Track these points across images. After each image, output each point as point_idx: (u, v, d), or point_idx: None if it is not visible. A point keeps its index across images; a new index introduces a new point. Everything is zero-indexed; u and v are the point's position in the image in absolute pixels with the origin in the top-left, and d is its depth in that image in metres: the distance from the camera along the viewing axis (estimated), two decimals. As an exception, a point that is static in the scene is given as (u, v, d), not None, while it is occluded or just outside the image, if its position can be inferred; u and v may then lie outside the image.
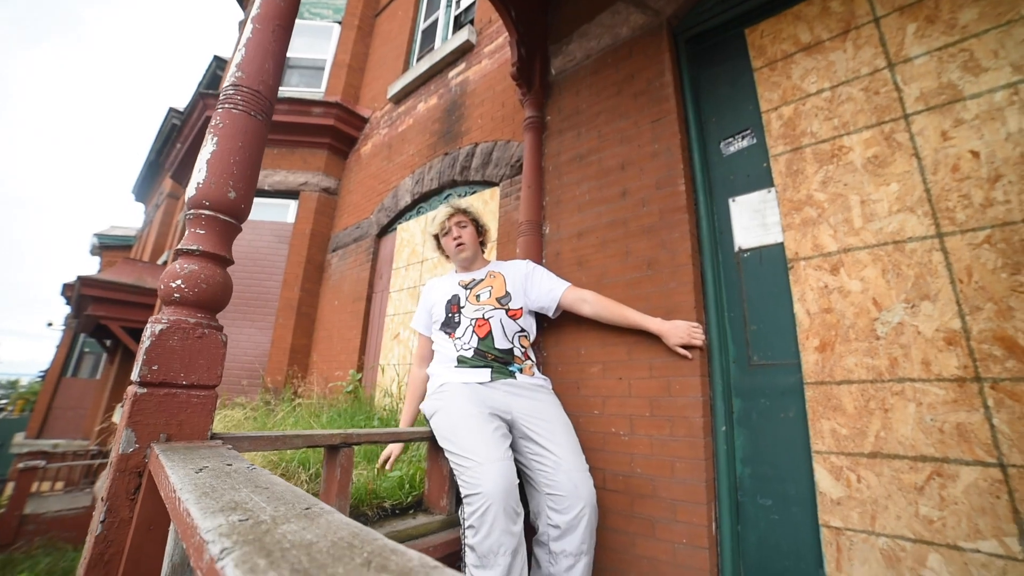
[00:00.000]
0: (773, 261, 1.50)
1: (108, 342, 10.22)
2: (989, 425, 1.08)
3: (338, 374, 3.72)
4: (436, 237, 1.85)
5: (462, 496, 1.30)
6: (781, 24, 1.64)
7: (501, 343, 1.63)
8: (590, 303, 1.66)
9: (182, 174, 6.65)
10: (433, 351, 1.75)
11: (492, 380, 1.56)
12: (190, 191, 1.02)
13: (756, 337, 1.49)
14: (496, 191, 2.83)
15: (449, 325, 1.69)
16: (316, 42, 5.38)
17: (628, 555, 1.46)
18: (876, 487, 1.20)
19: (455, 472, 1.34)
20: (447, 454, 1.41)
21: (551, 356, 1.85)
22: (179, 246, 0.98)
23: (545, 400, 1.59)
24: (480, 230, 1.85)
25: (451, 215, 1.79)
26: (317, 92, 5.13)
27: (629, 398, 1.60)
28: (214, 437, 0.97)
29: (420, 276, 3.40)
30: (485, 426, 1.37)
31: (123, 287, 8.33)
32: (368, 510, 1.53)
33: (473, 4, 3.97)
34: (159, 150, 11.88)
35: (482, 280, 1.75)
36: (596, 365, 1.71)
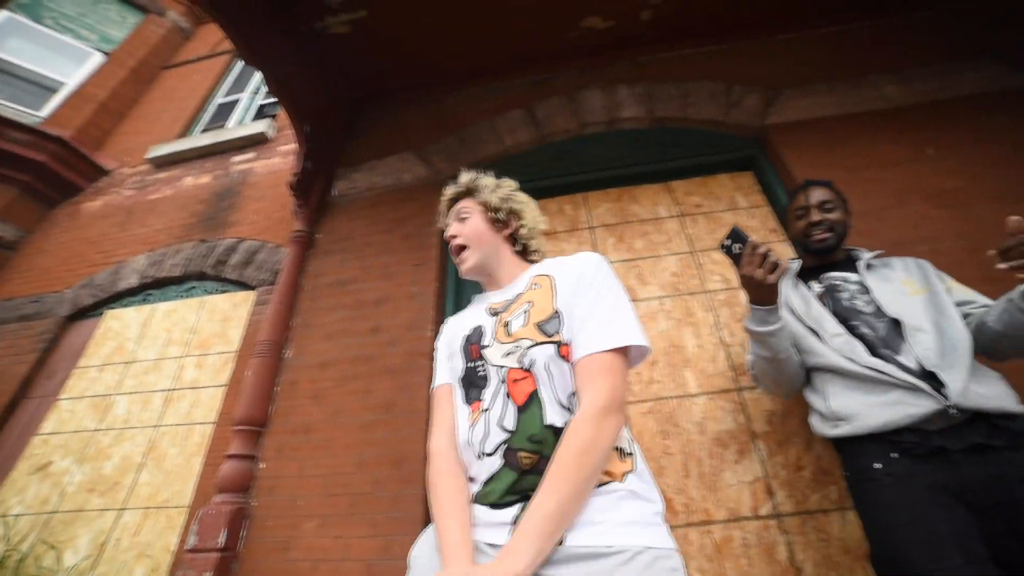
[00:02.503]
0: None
1: None
2: None
3: None
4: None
5: None
6: (529, 211, 2.04)
7: (554, 417, 0.76)
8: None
9: None
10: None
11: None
12: None
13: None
14: (252, 296, 2.46)
15: (470, 385, 0.87)
16: (57, 58, 4.38)
17: None
18: None
19: None
20: None
21: (259, 508, 1.48)
22: None
23: None
24: (500, 219, 1.02)
25: (447, 200, 1.06)
26: (33, 115, 3.97)
27: (345, 562, 1.36)
28: None
29: (121, 382, 2.53)
30: None
31: None
32: None
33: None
34: None
35: (521, 294, 0.93)
36: (314, 519, 1.43)
